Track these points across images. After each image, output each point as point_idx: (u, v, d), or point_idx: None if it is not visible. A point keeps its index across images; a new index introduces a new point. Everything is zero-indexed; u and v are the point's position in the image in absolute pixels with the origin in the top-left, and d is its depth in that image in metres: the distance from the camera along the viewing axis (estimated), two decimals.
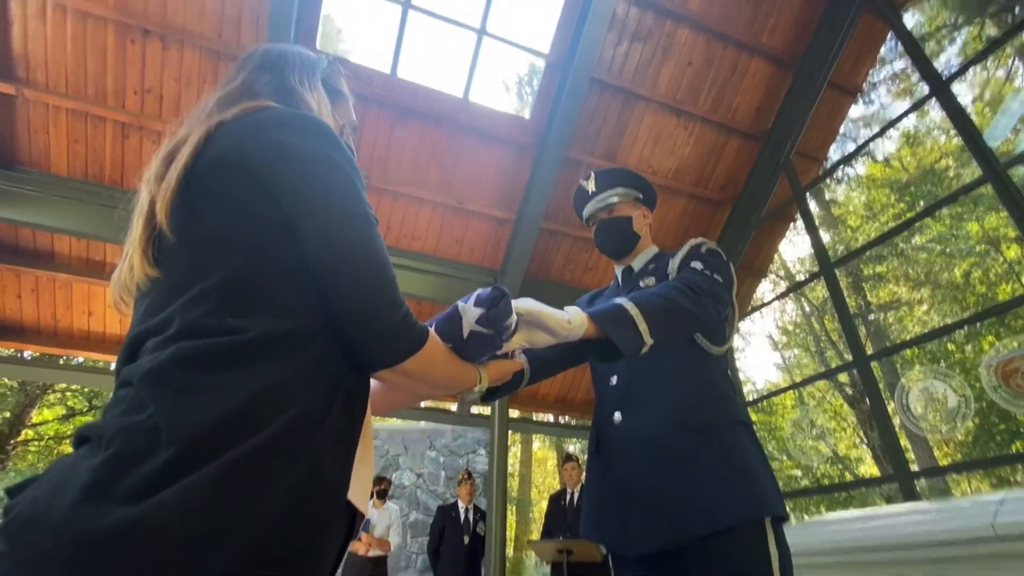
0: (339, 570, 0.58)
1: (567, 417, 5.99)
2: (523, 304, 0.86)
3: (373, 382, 0.78)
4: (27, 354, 6.41)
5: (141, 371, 0.48)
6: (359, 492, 0.56)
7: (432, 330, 0.71)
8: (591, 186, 1.35)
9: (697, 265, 1.13)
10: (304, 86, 0.73)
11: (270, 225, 0.55)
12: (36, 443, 10.61)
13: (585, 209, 1.36)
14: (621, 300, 0.96)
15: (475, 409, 5.49)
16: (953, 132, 11.15)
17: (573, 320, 0.89)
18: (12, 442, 9.97)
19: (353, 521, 0.57)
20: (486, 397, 1.01)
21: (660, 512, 1.01)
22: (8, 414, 10.35)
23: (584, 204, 1.37)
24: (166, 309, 0.52)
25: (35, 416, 10.75)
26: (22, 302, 4.09)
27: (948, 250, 10.79)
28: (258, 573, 0.43)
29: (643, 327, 0.92)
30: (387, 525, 4.24)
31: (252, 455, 0.45)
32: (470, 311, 0.75)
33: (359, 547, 4.06)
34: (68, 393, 10.99)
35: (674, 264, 1.20)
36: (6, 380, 9.98)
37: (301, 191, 0.56)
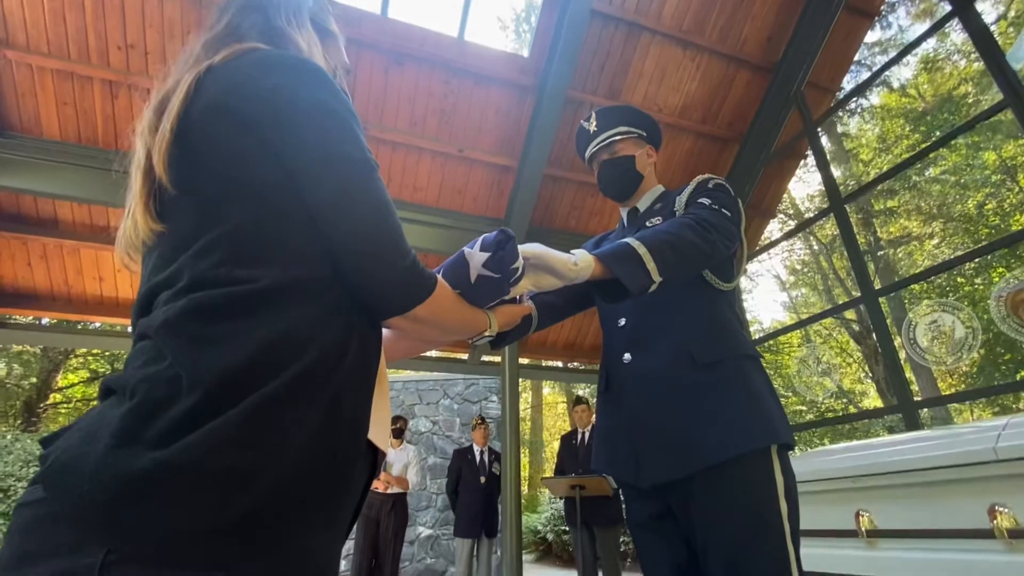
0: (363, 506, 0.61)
1: (576, 363, 6.10)
2: (529, 248, 0.85)
3: (384, 330, 0.79)
4: (45, 321, 6.55)
5: (156, 323, 0.48)
6: (379, 432, 0.58)
7: (440, 276, 0.71)
8: (592, 126, 1.31)
9: (705, 200, 1.11)
10: (292, 26, 0.69)
11: (269, 173, 0.54)
12: (65, 406, 11.04)
13: (587, 150, 1.33)
14: (628, 239, 0.95)
15: (486, 357, 5.59)
16: (974, 55, 10.60)
17: (579, 262, 0.89)
18: (41, 405, 10.38)
19: (375, 459, 0.59)
20: (495, 342, 1.02)
21: (670, 444, 1.04)
22: (35, 379, 10.72)
23: (586, 145, 1.33)
24: (175, 262, 0.52)
25: (61, 380, 11.13)
26: (33, 270, 4.13)
27: (962, 181, 10.51)
28: (288, 507, 0.46)
29: (651, 265, 0.91)
30: (404, 464, 4.42)
31: (273, 398, 0.46)
32: (476, 255, 0.75)
33: (379, 485, 4.26)
34: (90, 358, 11.32)
35: (681, 201, 1.18)
36: (28, 347, 10.27)
37: (297, 137, 0.55)
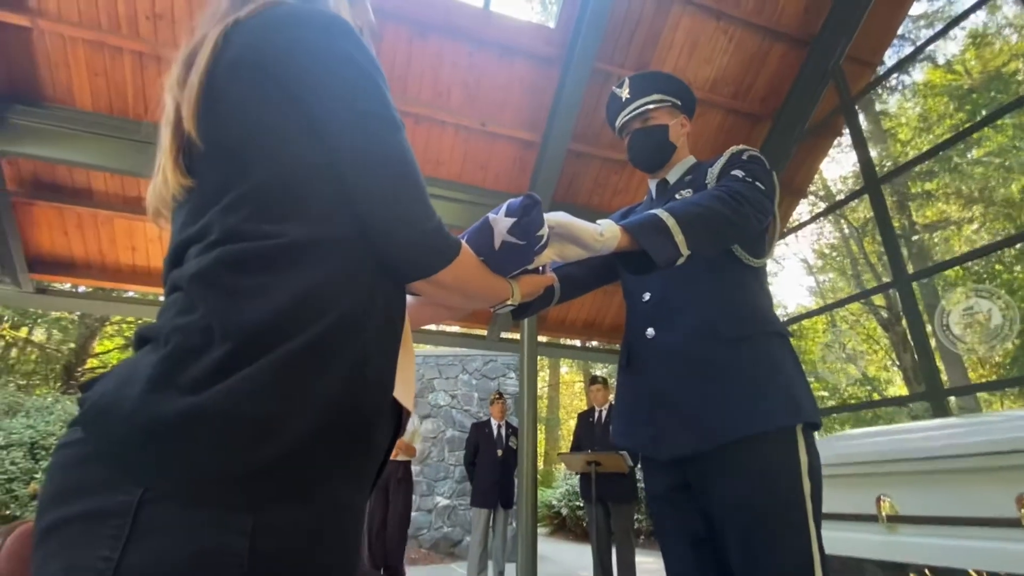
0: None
1: (595, 341, 6.09)
2: (554, 216, 0.84)
3: (407, 296, 0.79)
4: (81, 288, 6.79)
5: (188, 274, 0.49)
6: (404, 391, 0.58)
7: (464, 242, 0.70)
8: (625, 93, 1.26)
9: (738, 173, 1.07)
10: None
11: (296, 129, 0.54)
12: (102, 370, 11.51)
13: (618, 119, 1.29)
14: (656, 210, 0.92)
15: (505, 334, 5.62)
16: None
17: (605, 232, 0.87)
18: (80, 370, 10.86)
19: (400, 418, 0.60)
20: (517, 313, 1.01)
21: (693, 418, 1.03)
22: (73, 345, 11.21)
23: (617, 113, 1.29)
24: (204, 216, 0.52)
25: (97, 346, 11.61)
26: (69, 238, 4.26)
27: (1007, 163, 10.00)
28: (315, 456, 0.47)
29: (679, 237, 0.89)
30: (411, 432, 4.52)
31: (304, 350, 0.47)
32: (501, 221, 0.74)
33: None
34: (124, 325, 11.76)
35: (713, 173, 1.14)
36: (67, 314, 10.71)
37: (324, 92, 0.54)
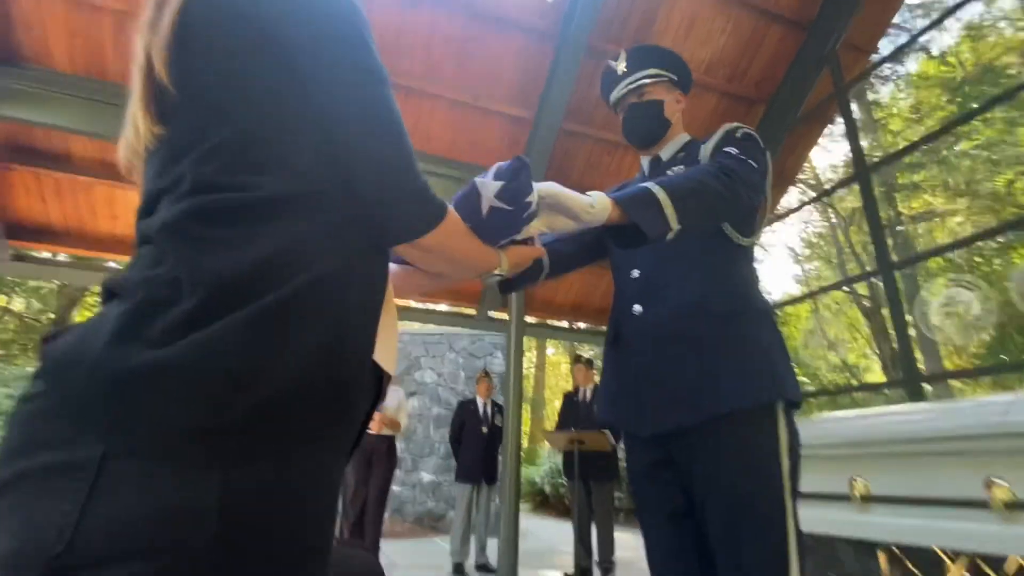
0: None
1: (582, 323, 6.12)
2: (544, 187, 0.82)
3: (393, 265, 0.77)
4: (61, 257, 6.64)
5: (157, 225, 0.47)
6: (385, 354, 0.57)
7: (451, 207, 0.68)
8: (621, 66, 1.24)
9: (731, 150, 1.06)
10: None
11: (273, 75, 0.51)
12: None
13: (613, 92, 1.26)
14: (648, 184, 0.91)
15: (492, 313, 5.61)
16: (1023, 23, 9.99)
17: (596, 204, 0.85)
18: None
19: (380, 383, 0.58)
20: (505, 286, 1.00)
21: (677, 394, 1.03)
22: (52, 315, 11.01)
23: (612, 87, 1.26)
24: (177, 167, 0.50)
25: (77, 317, 11.41)
26: (47, 205, 4.13)
27: (995, 157, 10.11)
28: (287, 416, 0.45)
29: (670, 211, 0.88)
30: (395, 407, 4.48)
31: (280, 306, 0.45)
32: (490, 185, 0.72)
33: (372, 424, 4.30)
34: None
35: (706, 150, 1.13)
36: (45, 283, 10.49)
37: (303, 38, 0.51)
